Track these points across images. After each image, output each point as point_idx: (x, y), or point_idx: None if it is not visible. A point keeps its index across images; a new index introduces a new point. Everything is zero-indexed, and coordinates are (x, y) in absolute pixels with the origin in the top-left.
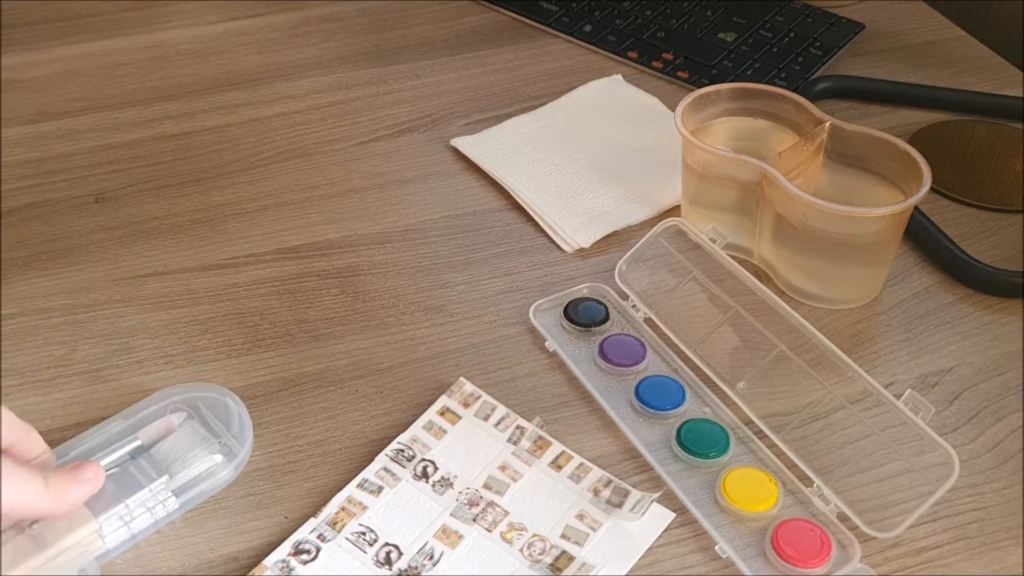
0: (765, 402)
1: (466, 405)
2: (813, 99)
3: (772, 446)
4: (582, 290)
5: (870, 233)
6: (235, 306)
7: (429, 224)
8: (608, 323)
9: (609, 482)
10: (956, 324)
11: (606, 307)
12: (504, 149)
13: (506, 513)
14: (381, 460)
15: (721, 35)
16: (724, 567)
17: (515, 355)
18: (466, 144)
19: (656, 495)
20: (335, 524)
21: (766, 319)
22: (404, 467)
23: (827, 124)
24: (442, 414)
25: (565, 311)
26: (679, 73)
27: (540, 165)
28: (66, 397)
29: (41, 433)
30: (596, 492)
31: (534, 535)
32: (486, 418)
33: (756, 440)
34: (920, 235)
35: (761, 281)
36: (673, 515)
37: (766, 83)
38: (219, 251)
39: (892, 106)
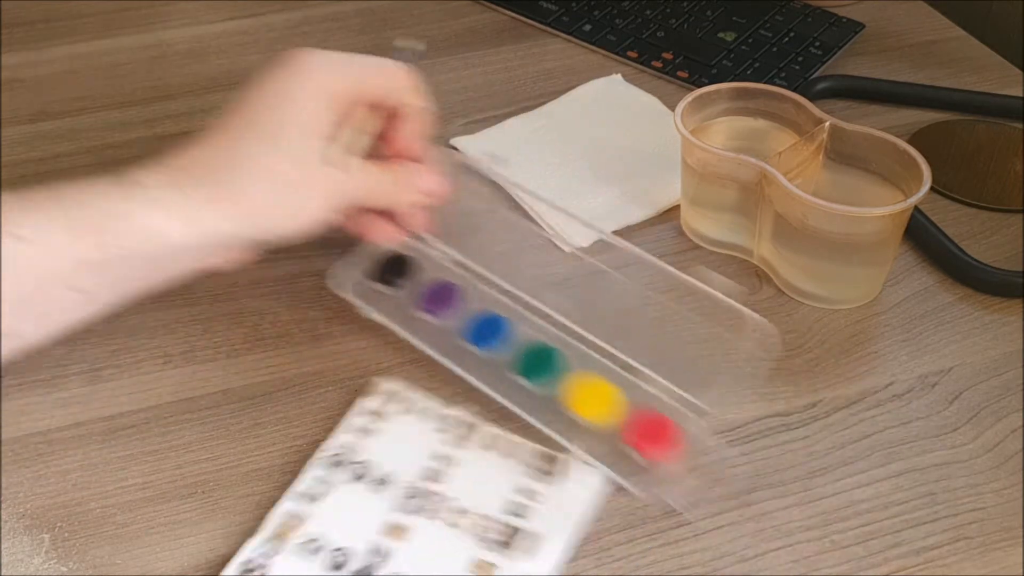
0: (583, 311)
1: (389, 402)
2: (813, 99)
3: (600, 350)
4: (381, 251)
5: (870, 233)
6: (235, 306)
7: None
8: (418, 275)
9: (541, 453)
10: (956, 324)
11: (411, 260)
12: (504, 149)
13: (447, 500)
14: (313, 469)
15: (721, 35)
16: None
17: None
18: (466, 144)
19: (574, 453)
20: (279, 538)
21: None
22: (336, 473)
23: (827, 124)
24: (366, 415)
25: (373, 274)
26: (679, 73)
27: (539, 165)
28: (65, 397)
29: (40, 432)
30: (530, 465)
31: (479, 515)
32: (411, 412)
33: (585, 349)
34: (920, 235)
35: (760, 281)
36: (604, 471)
37: (766, 83)
38: None
39: (892, 106)
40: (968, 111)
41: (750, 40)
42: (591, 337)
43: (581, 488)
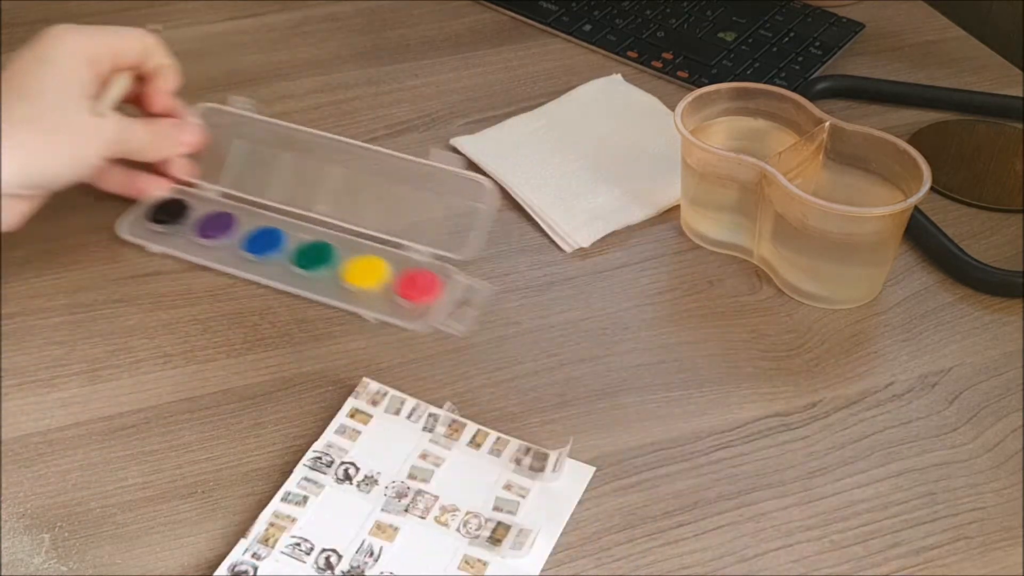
0: (349, 210)
1: (374, 403)
2: (813, 99)
3: (360, 234)
4: (158, 199)
5: (870, 233)
6: (234, 306)
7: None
8: (193, 212)
9: (528, 450)
10: (956, 324)
11: (184, 201)
12: (504, 149)
13: (436, 498)
14: (301, 471)
15: (721, 35)
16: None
17: (514, 355)
18: (466, 144)
19: (567, 448)
20: (267, 541)
21: (320, 150)
22: (325, 473)
23: (827, 124)
24: (352, 416)
25: (152, 217)
26: (679, 73)
27: (540, 165)
28: (65, 397)
29: (40, 432)
30: (518, 461)
31: (468, 513)
32: (397, 412)
33: (354, 238)
34: (920, 235)
35: (760, 281)
36: (593, 469)
37: (766, 83)
38: None
39: (892, 106)
40: (968, 111)
41: (750, 40)
42: (358, 228)
43: (570, 483)
